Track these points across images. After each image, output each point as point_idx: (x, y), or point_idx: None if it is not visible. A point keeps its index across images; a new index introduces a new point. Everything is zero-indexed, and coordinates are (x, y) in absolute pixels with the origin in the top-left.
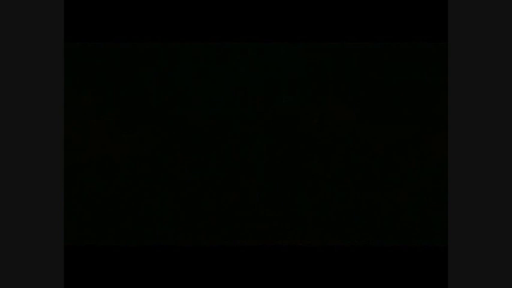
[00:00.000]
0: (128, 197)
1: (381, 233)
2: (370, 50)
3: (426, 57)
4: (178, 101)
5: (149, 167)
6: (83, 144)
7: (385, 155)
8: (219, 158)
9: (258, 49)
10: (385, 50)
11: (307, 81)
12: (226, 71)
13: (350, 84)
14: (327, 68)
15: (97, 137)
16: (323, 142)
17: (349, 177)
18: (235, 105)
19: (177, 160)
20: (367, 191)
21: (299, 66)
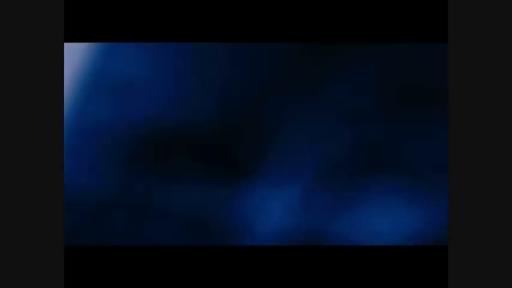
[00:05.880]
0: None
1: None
2: (370, 50)
3: (426, 57)
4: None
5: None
6: None
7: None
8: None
9: (258, 49)
10: (385, 50)
11: (304, 81)
12: (226, 71)
13: (349, 84)
14: (326, 68)
15: None
16: None
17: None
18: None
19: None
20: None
21: (299, 66)
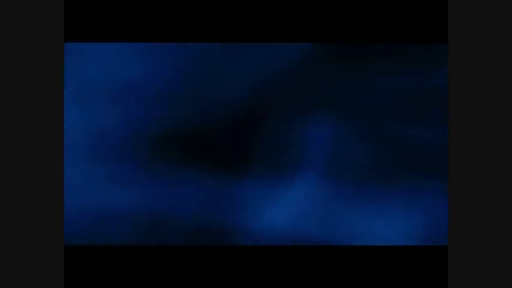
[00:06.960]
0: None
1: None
2: (370, 50)
3: (426, 57)
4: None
5: None
6: None
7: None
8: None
9: (258, 49)
10: (385, 50)
11: (306, 81)
12: (226, 71)
13: (349, 85)
14: (326, 68)
15: None
16: None
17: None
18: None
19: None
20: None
21: (299, 66)
